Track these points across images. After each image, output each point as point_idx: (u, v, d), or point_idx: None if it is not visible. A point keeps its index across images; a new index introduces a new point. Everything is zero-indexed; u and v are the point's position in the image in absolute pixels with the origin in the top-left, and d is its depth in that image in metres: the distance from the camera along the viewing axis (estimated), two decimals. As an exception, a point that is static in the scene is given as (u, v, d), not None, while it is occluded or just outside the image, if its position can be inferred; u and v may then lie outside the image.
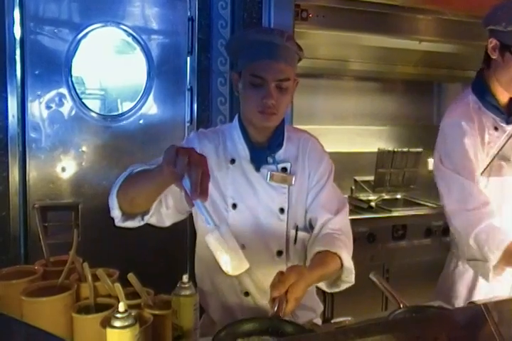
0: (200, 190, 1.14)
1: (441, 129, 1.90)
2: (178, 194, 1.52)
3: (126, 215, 1.52)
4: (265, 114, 1.58)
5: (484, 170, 1.85)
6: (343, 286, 1.57)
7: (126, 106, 2.89)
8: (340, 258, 1.49)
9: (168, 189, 1.43)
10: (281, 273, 1.33)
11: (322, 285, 1.57)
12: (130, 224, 1.53)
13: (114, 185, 1.49)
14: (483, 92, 1.87)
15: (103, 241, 2.64)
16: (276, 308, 1.28)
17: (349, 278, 1.54)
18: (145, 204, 1.49)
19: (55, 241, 2.06)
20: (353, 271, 1.54)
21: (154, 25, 2.85)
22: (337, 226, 1.62)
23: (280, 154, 1.68)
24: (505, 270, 1.73)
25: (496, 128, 1.86)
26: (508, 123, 1.86)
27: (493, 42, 1.80)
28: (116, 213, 1.50)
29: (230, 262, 1.24)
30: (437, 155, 1.90)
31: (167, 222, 1.63)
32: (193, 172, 1.14)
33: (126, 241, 2.56)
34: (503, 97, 1.87)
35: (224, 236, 1.22)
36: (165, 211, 1.56)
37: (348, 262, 1.51)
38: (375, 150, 3.85)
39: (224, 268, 1.26)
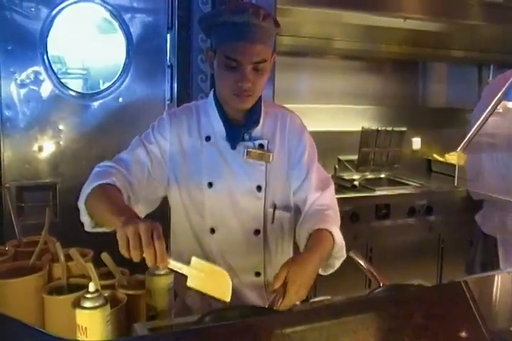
0: (159, 259, 1.16)
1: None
2: (144, 181, 1.55)
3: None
4: (241, 97, 1.52)
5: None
6: (337, 264, 1.56)
7: (107, 85, 2.82)
8: (331, 234, 1.48)
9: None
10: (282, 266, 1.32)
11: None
12: (101, 229, 1.45)
13: (82, 191, 1.43)
14: None
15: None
16: (271, 300, 1.26)
17: (341, 253, 1.54)
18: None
19: (33, 222, 2.03)
20: (344, 245, 1.53)
21: (133, 2, 2.77)
22: (325, 201, 1.62)
23: (257, 131, 1.64)
24: None
25: None
26: None
27: None
28: (85, 219, 1.44)
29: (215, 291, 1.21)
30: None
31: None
32: (147, 254, 1.15)
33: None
34: None
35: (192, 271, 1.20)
36: (135, 207, 1.49)
37: (339, 237, 1.51)
38: (359, 129, 3.81)
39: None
